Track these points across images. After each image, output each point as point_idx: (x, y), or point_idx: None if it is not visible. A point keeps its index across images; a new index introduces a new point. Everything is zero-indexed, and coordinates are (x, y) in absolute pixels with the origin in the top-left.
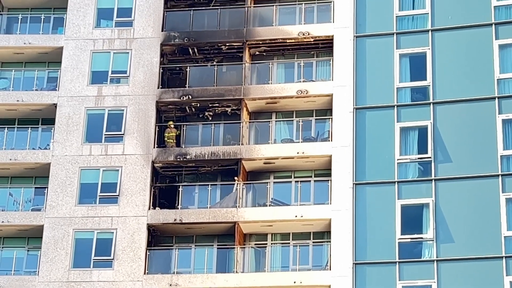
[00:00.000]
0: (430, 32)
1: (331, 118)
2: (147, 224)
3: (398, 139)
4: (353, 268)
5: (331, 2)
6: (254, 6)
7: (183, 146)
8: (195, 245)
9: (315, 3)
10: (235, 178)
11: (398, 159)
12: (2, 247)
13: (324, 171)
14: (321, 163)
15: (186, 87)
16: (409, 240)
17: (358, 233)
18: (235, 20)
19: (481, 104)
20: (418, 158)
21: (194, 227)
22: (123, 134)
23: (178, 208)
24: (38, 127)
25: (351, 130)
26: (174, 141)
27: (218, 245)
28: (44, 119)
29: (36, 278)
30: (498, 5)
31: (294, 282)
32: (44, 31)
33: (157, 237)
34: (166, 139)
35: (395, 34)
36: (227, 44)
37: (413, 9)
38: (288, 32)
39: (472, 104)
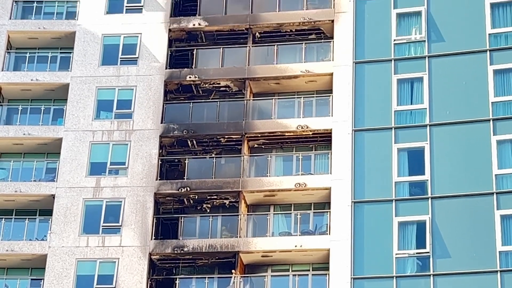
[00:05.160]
0: (428, 127)
1: (329, 212)
2: None
3: (396, 233)
4: None
5: (329, 96)
6: (253, 99)
7: (181, 238)
8: None
9: (314, 96)
10: (233, 271)
11: (396, 254)
12: None
13: (322, 265)
14: (319, 257)
15: (184, 179)
16: None
17: None
18: (234, 113)
19: (479, 200)
20: (417, 253)
21: None
22: (120, 226)
23: None
24: (35, 218)
25: (350, 224)
26: None
27: None
28: (41, 209)
29: None
30: (496, 101)
31: None
32: (44, 122)
33: None
34: None
35: (393, 128)
36: (226, 136)
37: (411, 104)
38: (287, 125)
39: (470, 199)
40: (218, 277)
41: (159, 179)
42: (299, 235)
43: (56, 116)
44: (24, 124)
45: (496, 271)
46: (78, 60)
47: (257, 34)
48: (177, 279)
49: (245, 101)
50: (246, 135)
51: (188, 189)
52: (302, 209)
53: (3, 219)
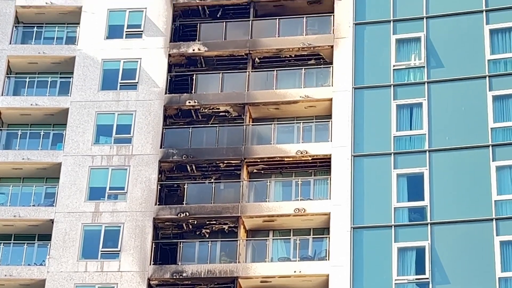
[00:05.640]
0: (427, 153)
1: (329, 237)
2: None
3: (395, 259)
4: None
5: (329, 121)
6: (252, 124)
7: (180, 264)
8: None
9: (313, 122)
10: None
11: (395, 280)
12: None
13: None
14: (318, 283)
15: (183, 204)
16: None
17: None
18: (234, 138)
19: (478, 226)
20: (416, 279)
21: None
22: (119, 251)
23: None
24: (34, 243)
25: (349, 249)
26: None
27: None
28: (40, 234)
29: None
30: (495, 127)
31: None
32: (43, 147)
33: None
34: None
35: (392, 154)
36: (225, 161)
37: (411, 129)
38: (286, 151)
39: (469, 225)
40: None
41: (158, 204)
42: (298, 260)
43: (56, 140)
44: (24, 148)
45: None
46: (78, 85)
47: (256, 59)
48: None
49: (245, 126)
50: (245, 160)
51: (187, 214)
52: (301, 235)
53: (2, 244)
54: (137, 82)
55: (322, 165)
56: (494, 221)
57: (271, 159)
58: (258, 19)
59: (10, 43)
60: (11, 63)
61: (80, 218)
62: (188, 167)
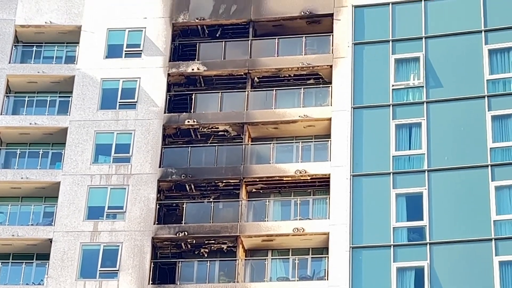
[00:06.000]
0: (426, 172)
1: (327, 257)
2: None
3: (394, 279)
4: None
5: (328, 141)
6: (251, 144)
7: (178, 283)
8: None
9: (312, 141)
10: None
11: None
12: None
13: None
14: None
15: (182, 223)
16: None
17: None
18: (233, 157)
19: (478, 245)
20: None
21: None
22: (118, 270)
23: None
24: (32, 262)
25: (348, 269)
26: None
27: None
28: (39, 254)
29: None
30: (494, 147)
31: None
32: (42, 166)
33: None
34: None
35: (391, 173)
36: (224, 181)
37: (409, 149)
38: (285, 170)
39: (469, 245)
40: None
41: (157, 224)
42: (297, 280)
43: (55, 160)
44: (22, 168)
45: None
46: (77, 104)
47: (255, 78)
48: None
49: (244, 146)
50: (244, 180)
51: (186, 233)
52: (300, 254)
53: (0, 263)
54: (136, 102)
55: (321, 184)
56: (493, 241)
57: (270, 179)
58: (257, 39)
59: (10, 62)
60: (10, 82)
61: (79, 237)
62: (187, 187)
